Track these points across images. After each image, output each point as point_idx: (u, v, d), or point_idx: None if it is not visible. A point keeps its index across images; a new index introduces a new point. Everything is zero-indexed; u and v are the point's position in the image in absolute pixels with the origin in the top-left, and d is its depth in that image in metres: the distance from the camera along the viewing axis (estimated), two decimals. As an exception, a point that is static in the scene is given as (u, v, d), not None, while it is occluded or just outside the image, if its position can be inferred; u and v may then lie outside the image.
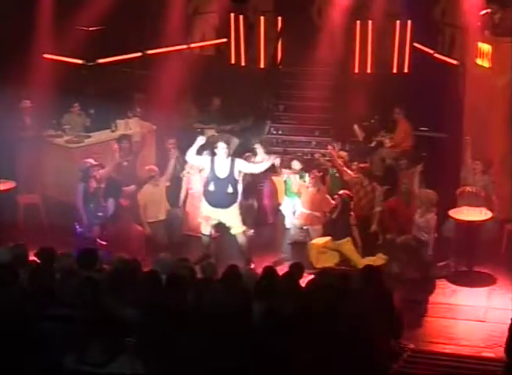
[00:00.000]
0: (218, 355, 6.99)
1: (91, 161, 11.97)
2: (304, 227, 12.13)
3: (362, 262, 10.90)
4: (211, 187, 11.01)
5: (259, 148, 11.53)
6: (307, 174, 12.23)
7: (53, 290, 7.76)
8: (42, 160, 13.61)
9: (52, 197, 13.20)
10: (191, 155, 11.19)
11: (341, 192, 11.50)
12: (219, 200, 11.04)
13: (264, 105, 14.95)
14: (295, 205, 12.33)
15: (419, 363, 8.13)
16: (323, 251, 11.37)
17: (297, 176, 12.35)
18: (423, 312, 10.12)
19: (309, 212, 12.00)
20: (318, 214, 11.97)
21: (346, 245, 11.33)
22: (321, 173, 12.25)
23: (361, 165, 12.32)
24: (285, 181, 12.48)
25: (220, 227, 11.47)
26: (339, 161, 12.30)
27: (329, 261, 11.27)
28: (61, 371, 6.95)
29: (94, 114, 14.20)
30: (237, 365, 6.95)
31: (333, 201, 11.57)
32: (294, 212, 12.35)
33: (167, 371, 7.11)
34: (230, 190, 10.99)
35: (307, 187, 12.05)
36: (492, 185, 11.94)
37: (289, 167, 12.40)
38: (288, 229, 12.52)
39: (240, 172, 11.05)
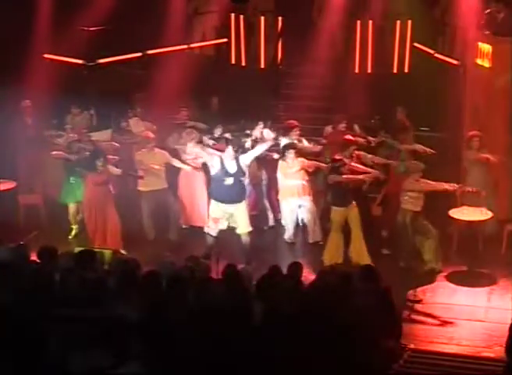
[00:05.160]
0: (219, 354, 7.00)
1: None
2: (297, 203, 12.15)
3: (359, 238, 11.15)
4: (229, 181, 11.15)
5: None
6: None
7: (53, 290, 7.78)
8: (43, 160, 13.63)
9: (53, 197, 13.21)
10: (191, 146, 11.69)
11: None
12: (230, 194, 11.18)
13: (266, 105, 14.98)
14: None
15: (419, 363, 8.14)
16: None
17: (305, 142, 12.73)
18: (423, 312, 10.13)
19: (298, 182, 12.05)
20: (305, 183, 12.09)
21: (353, 212, 11.31)
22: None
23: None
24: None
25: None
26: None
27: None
28: (61, 371, 6.97)
29: (95, 114, 14.22)
30: (237, 365, 6.96)
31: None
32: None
33: (167, 371, 7.12)
34: (241, 182, 11.22)
35: (290, 168, 12.12)
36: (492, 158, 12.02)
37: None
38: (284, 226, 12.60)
39: (246, 166, 11.30)
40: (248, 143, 12.49)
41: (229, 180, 11.14)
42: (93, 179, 11.52)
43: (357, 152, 11.95)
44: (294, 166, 12.09)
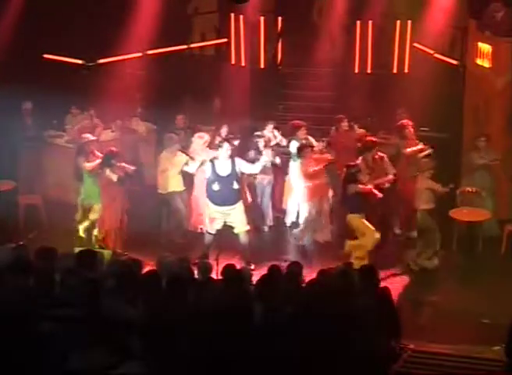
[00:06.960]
0: (219, 355, 7.00)
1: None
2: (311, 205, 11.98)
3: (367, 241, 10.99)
4: (216, 187, 11.05)
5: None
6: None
7: (53, 290, 7.77)
8: (42, 160, 13.64)
9: (53, 197, 13.22)
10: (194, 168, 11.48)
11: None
12: (226, 198, 11.09)
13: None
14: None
15: (419, 363, 8.13)
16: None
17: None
18: (423, 312, 10.14)
19: (320, 181, 11.94)
20: (324, 180, 12.01)
21: (355, 221, 11.11)
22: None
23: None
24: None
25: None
26: None
27: None
28: (61, 372, 6.97)
29: (95, 114, 14.21)
30: (237, 365, 6.96)
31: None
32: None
33: (167, 371, 7.12)
34: (236, 186, 11.09)
35: (309, 168, 11.92)
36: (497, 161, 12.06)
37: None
38: (290, 227, 12.54)
39: (240, 170, 11.14)
40: (261, 143, 12.32)
41: (216, 186, 11.00)
42: (107, 178, 11.53)
43: (380, 154, 11.77)
44: (313, 166, 11.88)
